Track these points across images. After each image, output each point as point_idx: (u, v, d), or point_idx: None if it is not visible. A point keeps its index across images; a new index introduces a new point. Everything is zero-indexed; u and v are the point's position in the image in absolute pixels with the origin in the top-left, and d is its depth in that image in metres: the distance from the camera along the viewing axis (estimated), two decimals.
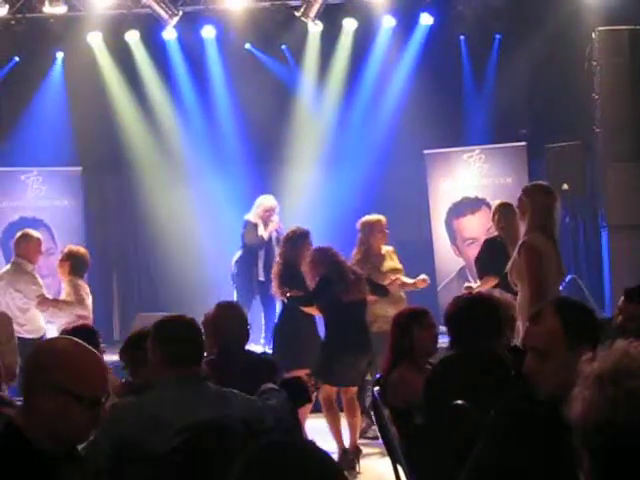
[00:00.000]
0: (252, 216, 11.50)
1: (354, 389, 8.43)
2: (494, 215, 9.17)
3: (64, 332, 6.25)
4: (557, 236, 7.26)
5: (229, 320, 5.91)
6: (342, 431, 8.35)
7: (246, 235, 11.53)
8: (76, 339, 3.13)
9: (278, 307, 11.65)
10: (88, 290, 9.64)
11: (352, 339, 8.16)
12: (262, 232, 11.47)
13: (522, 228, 7.24)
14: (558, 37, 12.26)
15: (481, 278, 8.98)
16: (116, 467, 3.99)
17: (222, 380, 4.61)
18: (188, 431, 4.01)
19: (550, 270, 7.00)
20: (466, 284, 9.58)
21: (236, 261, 11.68)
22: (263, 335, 11.59)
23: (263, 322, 11.68)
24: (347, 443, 8.33)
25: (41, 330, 9.42)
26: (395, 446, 5.24)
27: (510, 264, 7.24)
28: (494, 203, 9.49)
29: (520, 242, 7.15)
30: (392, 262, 9.50)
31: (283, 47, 13.55)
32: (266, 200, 11.58)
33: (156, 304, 12.34)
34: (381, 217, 9.52)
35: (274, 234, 11.53)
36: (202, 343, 4.54)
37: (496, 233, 9.18)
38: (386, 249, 9.56)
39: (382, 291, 8.90)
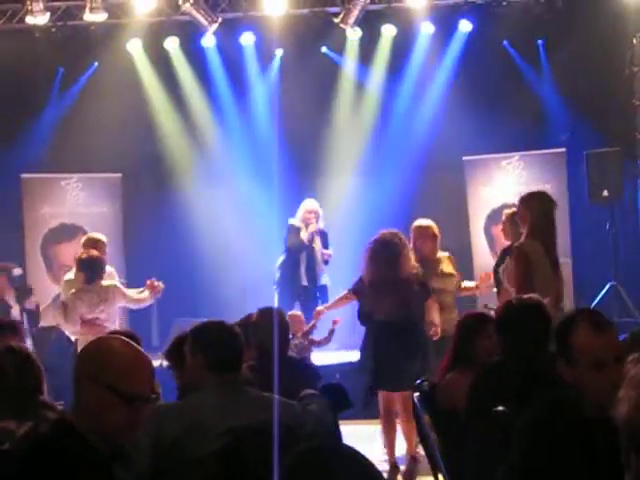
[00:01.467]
0: (296, 219, 11.50)
1: (408, 393, 8.31)
2: (503, 224, 8.91)
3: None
4: (554, 242, 7.32)
5: (270, 325, 5.89)
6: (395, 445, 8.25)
7: (288, 238, 11.53)
8: (127, 339, 3.16)
9: None
10: None
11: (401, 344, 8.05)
12: (303, 235, 11.46)
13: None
14: (599, 43, 12.18)
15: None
16: (157, 470, 3.99)
17: (263, 385, 4.60)
18: (228, 436, 4.01)
19: (540, 276, 7.04)
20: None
21: (279, 266, 11.67)
22: None
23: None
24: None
25: None
26: (435, 452, 5.21)
27: (502, 269, 7.32)
28: (505, 213, 9.23)
29: (514, 247, 7.24)
30: (448, 267, 9.35)
31: (323, 50, 13.53)
32: (307, 203, 11.57)
33: (194, 310, 12.34)
34: (428, 223, 9.36)
35: (316, 237, 11.53)
36: (242, 348, 4.53)
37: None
38: (442, 254, 9.45)
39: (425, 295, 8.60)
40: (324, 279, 11.72)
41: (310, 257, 11.53)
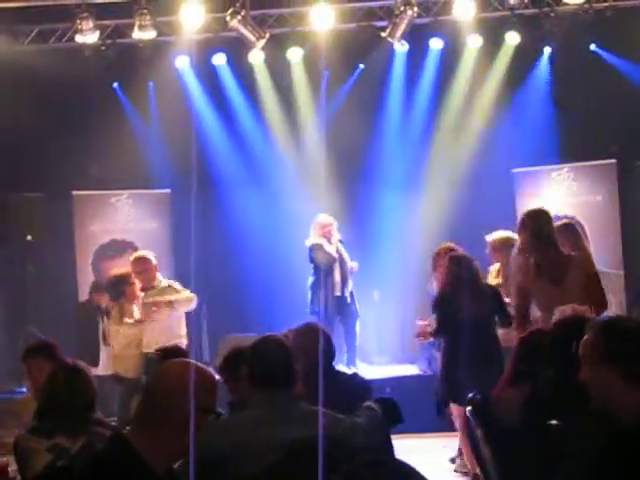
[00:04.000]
0: (313, 238, 11.59)
1: None
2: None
3: (158, 351, 6.36)
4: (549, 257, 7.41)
5: (314, 340, 5.90)
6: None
7: (317, 258, 11.60)
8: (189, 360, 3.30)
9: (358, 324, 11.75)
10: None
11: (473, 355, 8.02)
12: (329, 249, 11.62)
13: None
14: None
15: None
16: None
17: (313, 400, 4.59)
18: (275, 451, 4.00)
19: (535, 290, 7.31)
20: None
21: (311, 286, 11.76)
22: (345, 356, 11.59)
23: (344, 340, 11.71)
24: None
25: None
26: (488, 468, 5.17)
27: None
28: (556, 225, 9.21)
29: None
30: (495, 279, 9.44)
31: (370, 67, 13.55)
32: (320, 218, 11.81)
33: (245, 325, 12.37)
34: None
35: (341, 248, 11.64)
36: (292, 363, 4.53)
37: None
38: (494, 267, 9.57)
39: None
40: (351, 286, 11.82)
41: (342, 267, 11.63)
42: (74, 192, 13.29)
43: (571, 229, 8.55)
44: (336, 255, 11.65)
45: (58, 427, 4.92)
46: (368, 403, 4.80)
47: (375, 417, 4.65)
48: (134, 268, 9.98)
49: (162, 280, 10.06)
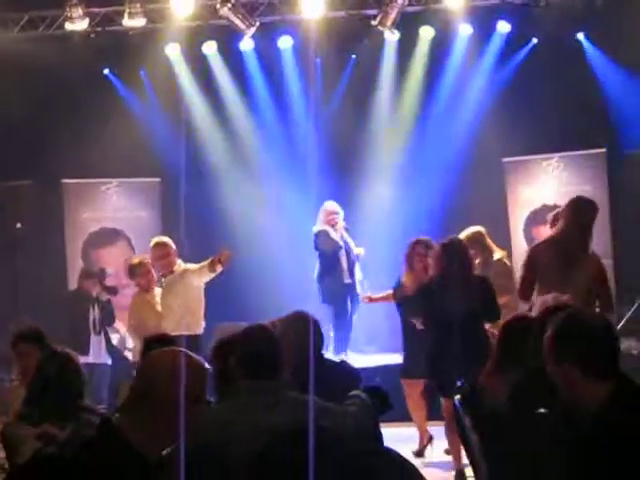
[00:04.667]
0: (319, 225, 11.60)
1: None
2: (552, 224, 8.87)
3: (147, 340, 6.35)
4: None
5: (303, 328, 5.90)
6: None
7: (322, 244, 11.60)
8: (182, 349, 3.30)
9: None
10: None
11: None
12: (334, 236, 11.61)
13: None
14: (638, 41, 12.09)
15: None
16: (191, 474, 3.99)
17: (302, 388, 4.60)
18: (262, 438, 4.00)
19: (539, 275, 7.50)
20: None
21: (318, 276, 11.75)
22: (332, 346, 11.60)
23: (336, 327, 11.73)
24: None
25: None
26: (477, 456, 5.19)
27: None
28: (553, 214, 9.15)
29: None
30: None
31: (360, 55, 13.55)
32: (327, 205, 11.78)
33: (236, 314, 12.35)
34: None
35: (346, 235, 11.65)
36: (279, 352, 4.54)
37: None
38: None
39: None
40: (359, 274, 11.81)
41: (348, 254, 11.64)
42: (64, 180, 13.28)
43: None
44: (341, 243, 11.64)
45: (47, 414, 4.92)
46: (356, 392, 4.80)
47: (364, 405, 4.66)
48: (155, 254, 9.87)
49: (181, 264, 9.97)
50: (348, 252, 11.70)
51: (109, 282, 11.66)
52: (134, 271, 9.98)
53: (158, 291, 9.89)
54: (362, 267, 12.05)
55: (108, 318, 11.34)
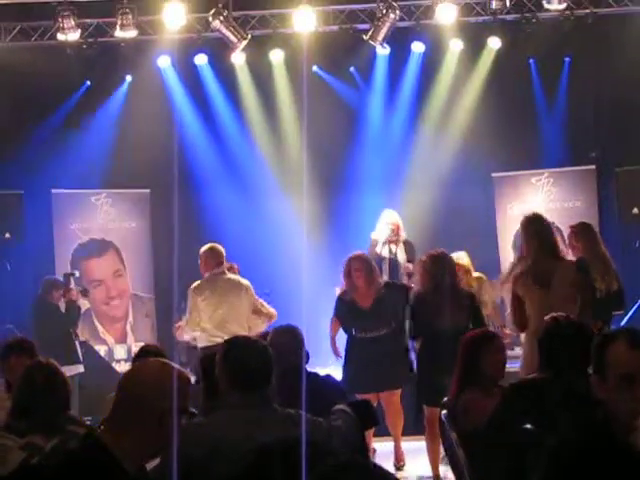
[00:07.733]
0: (375, 232, 11.35)
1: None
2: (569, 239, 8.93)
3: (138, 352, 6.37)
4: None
5: (290, 341, 5.91)
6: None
7: (369, 254, 11.29)
8: (165, 360, 3.28)
9: None
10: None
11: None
12: (379, 247, 11.27)
13: None
14: (628, 60, 12.14)
15: None
16: None
17: (288, 402, 4.59)
18: (254, 454, 3.99)
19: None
20: None
21: None
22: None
23: None
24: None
25: None
26: (463, 470, 5.19)
27: None
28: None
29: None
30: None
31: (351, 69, 13.58)
32: (385, 214, 11.41)
33: None
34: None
35: (398, 249, 11.30)
36: (270, 366, 4.52)
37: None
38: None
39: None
40: None
41: (392, 269, 11.27)
42: (53, 190, 13.24)
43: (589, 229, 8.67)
44: (386, 256, 11.39)
45: (33, 425, 4.90)
46: (341, 406, 4.79)
47: (350, 420, 4.65)
48: (208, 259, 9.98)
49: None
50: (392, 268, 11.32)
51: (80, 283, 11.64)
52: None
53: None
54: None
55: (72, 320, 11.18)
